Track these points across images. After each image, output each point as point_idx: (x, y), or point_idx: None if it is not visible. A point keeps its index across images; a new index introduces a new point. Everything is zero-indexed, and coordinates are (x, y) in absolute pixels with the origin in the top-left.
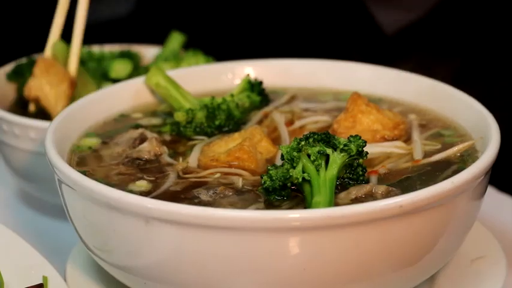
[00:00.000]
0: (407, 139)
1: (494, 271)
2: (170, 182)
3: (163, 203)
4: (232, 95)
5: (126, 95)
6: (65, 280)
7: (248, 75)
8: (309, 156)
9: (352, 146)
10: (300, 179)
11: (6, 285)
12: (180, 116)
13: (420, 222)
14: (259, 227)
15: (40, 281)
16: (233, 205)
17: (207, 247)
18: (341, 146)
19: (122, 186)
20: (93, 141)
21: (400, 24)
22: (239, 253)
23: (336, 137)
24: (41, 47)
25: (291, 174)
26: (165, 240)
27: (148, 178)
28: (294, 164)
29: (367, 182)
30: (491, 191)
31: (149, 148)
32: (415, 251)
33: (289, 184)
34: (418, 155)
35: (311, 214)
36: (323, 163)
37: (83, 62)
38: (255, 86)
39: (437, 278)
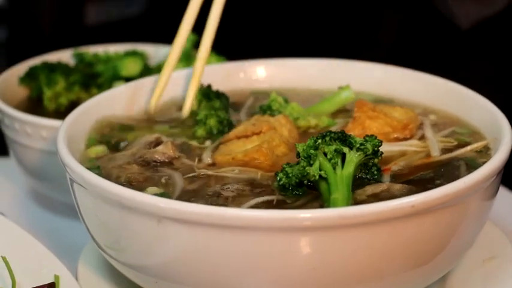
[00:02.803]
0: (421, 137)
1: (506, 271)
2: (185, 181)
3: (175, 202)
4: (198, 113)
5: (140, 94)
6: (77, 279)
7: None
8: (325, 154)
9: (368, 145)
10: (317, 176)
11: (18, 284)
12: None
13: (432, 222)
14: (270, 227)
15: (52, 280)
16: (247, 204)
17: (218, 246)
18: (357, 145)
19: (135, 186)
20: (100, 149)
21: (476, 18)
22: (250, 252)
23: (352, 136)
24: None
25: (307, 171)
26: (177, 239)
27: (162, 176)
28: (311, 162)
29: (381, 180)
30: (503, 191)
31: (164, 150)
32: (427, 251)
33: (305, 181)
34: (434, 151)
35: (322, 214)
36: (339, 161)
37: (90, 64)
38: (210, 93)
39: (448, 278)
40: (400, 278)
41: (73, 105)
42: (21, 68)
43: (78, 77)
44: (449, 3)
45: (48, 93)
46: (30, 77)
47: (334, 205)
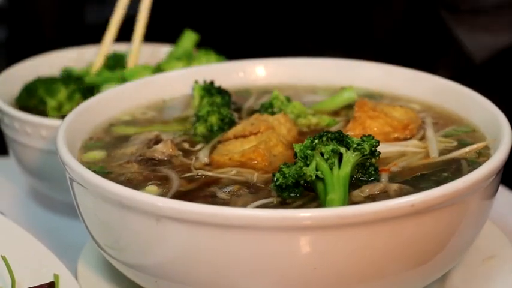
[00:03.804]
0: (422, 137)
1: (506, 270)
2: (184, 181)
3: (173, 202)
4: (200, 111)
5: (140, 92)
6: (76, 278)
7: (196, 81)
8: (322, 154)
9: (366, 146)
10: (314, 177)
11: (18, 283)
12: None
13: (431, 222)
14: (270, 226)
15: (51, 279)
16: (246, 204)
17: (217, 246)
18: (354, 145)
19: (134, 184)
20: (98, 154)
21: (490, 50)
22: (250, 252)
23: (349, 136)
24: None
25: (304, 171)
26: (176, 238)
27: (161, 176)
28: (308, 162)
29: (379, 180)
30: (502, 191)
31: (163, 149)
32: (427, 250)
33: (302, 182)
34: (433, 152)
35: (322, 213)
36: (336, 161)
37: (79, 79)
38: (212, 89)
39: (448, 278)
40: (400, 277)
41: None
42: (21, 67)
43: (77, 86)
44: (461, 37)
45: (52, 103)
46: (27, 94)
47: (330, 206)
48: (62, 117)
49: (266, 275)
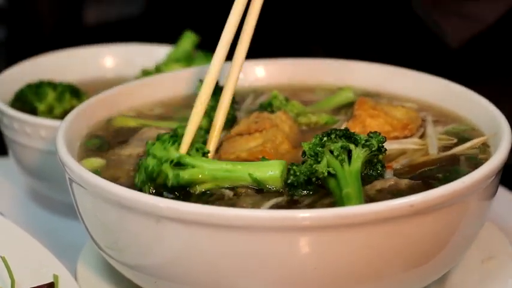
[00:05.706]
0: (422, 136)
1: (505, 271)
2: None
3: (173, 202)
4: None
5: (140, 92)
6: (76, 279)
7: (200, 80)
8: (331, 152)
9: (374, 142)
10: (326, 173)
11: (17, 284)
12: None
13: (431, 222)
14: (269, 226)
15: (51, 280)
16: (253, 203)
17: (217, 246)
18: (362, 142)
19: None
20: (97, 162)
21: (465, 35)
22: (249, 252)
23: (356, 134)
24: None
25: (316, 168)
26: (175, 239)
27: None
28: (319, 159)
29: (384, 177)
30: (502, 191)
31: None
32: (426, 251)
33: (314, 179)
34: (432, 149)
35: (321, 213)
36: (346, 158)
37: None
38: (216, 88)
39: (447, 278)
40: (399, 277)
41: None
42: (21, 67)
43: (66, 86)
44: (436, 20)
45: (41, 107)
46: (19, 100)
47: (348, 199)
48: (59, 118)
49: (266, 275)
